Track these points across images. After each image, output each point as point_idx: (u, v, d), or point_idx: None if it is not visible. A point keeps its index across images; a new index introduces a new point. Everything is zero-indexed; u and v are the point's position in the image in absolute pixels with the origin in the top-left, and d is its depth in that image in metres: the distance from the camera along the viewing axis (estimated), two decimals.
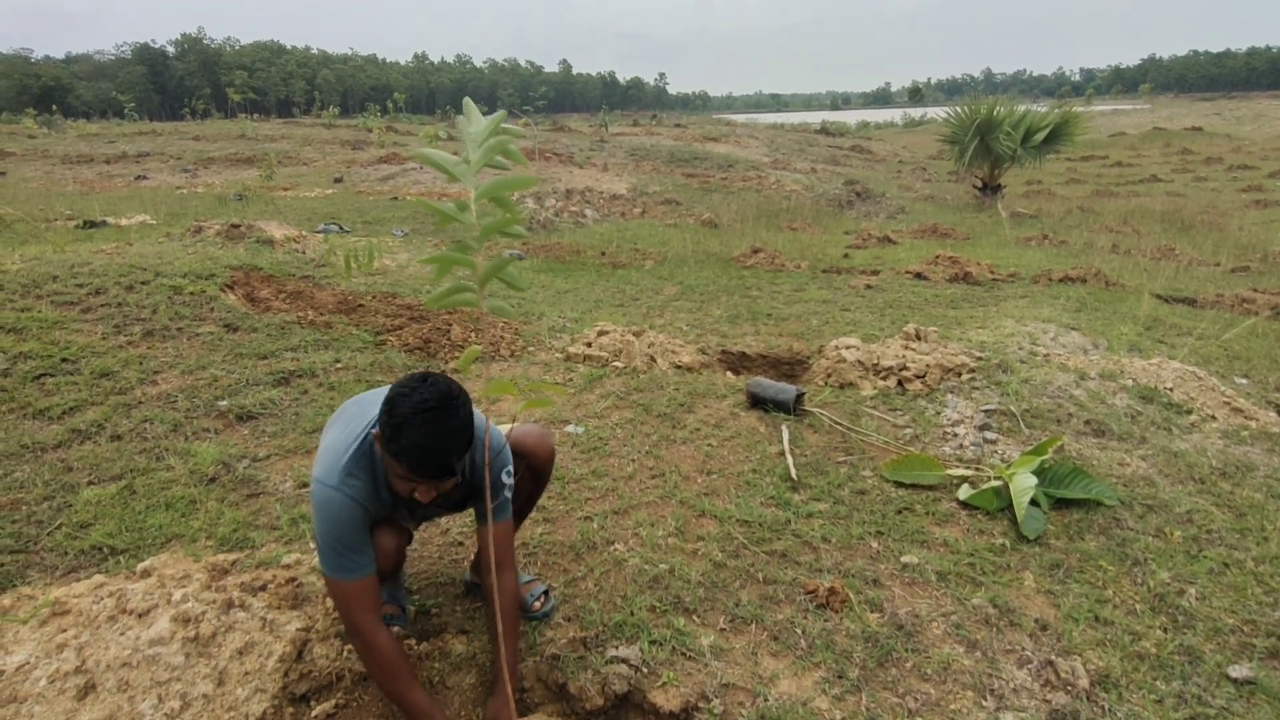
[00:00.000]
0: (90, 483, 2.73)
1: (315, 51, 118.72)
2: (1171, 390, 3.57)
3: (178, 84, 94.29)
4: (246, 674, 1.77)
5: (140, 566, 2.17)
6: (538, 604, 2.06)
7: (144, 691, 1.69)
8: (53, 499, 2.61)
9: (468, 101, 1.86)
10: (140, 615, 1.88)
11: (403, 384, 1.55)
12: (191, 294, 4.44)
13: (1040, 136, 13.83)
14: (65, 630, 1.89)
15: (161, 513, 2.57)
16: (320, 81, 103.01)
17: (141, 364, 3.62)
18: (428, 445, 1.51)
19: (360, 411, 1.72)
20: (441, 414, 1.51)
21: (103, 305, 4.11)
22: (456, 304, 1.74)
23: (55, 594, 2.07)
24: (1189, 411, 3.42)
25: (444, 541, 2.45)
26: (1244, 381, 4.07)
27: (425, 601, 2.14)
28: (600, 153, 18.31)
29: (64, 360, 3.50)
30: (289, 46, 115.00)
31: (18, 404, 3.14)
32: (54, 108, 45.34)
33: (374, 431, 1.57)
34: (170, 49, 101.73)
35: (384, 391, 1.67)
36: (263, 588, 2.07)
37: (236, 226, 6.28)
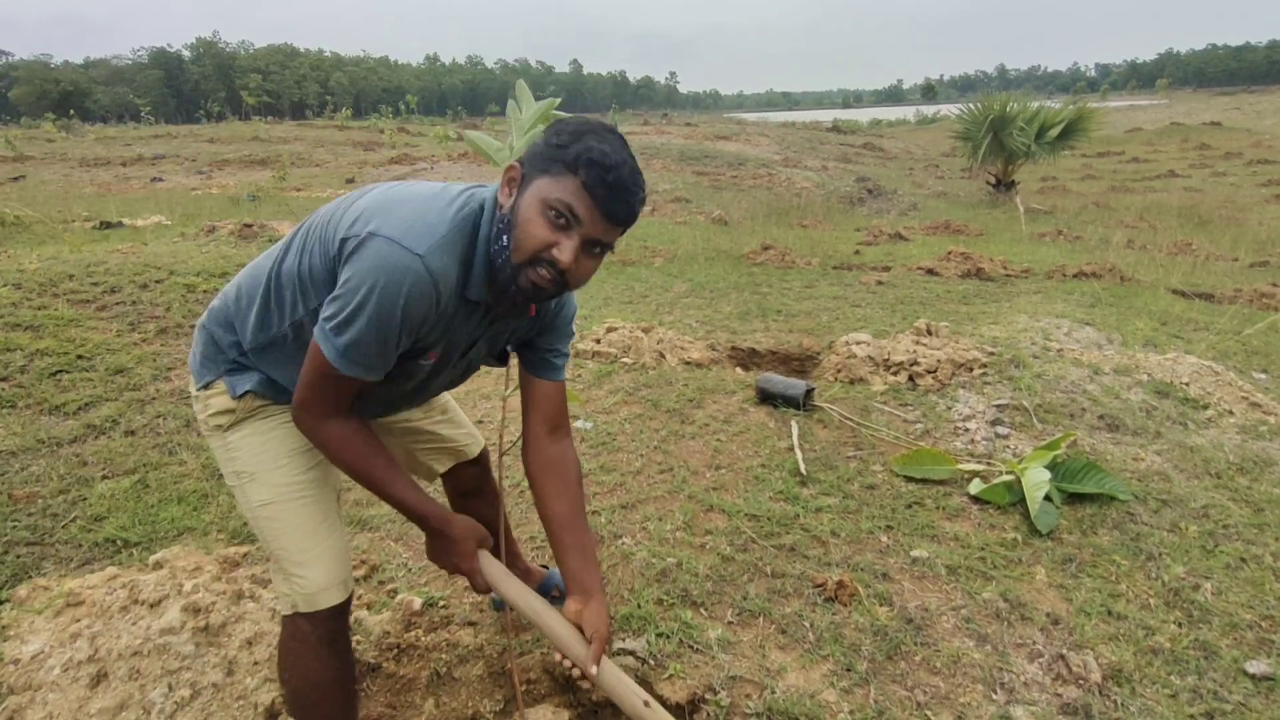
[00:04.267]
0: (104, 477, 2.76)
1: (328, 54, 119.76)
2: (1188, 385, 3.53)
3: (193, 87, 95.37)
4: (255, 664, 1.79)
5: (153, 558, 2.20)
6: (555, 592, 2.07)
7: (155, 680, 1.71)
8: (68, 493, 2.64)
9: (521, 84, 1.85)
10: (152, 606, 1.90)
11: (564, 123, 1.22)
12: (205, 292, 4.48)
13: (1054, 132, 13.71)
14: (79, 620, 1.92)
15: (174, 506, 2.60)
16: (333, 84, 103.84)
17: (155, 361, 3.66)
18: (619, 159, 1.16)
19: (430, 187, 1.30)
20: (627, 146, 1.22)
21: (118, 304, 4.16)
22: None
23: (70, 585, 2.09)
24: (1205, 406, 3.37)
25: None
26: (1262, 376, 4.01)
27: (433, 594, 2.14)
28: None
29: (79, 357, 3.55)
30: (302, 49, 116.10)
31: (34, 400, 3.19)
32: (72, 112, 46.00)
33: (510, 170, 1.22)
34: (186, 53, 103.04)
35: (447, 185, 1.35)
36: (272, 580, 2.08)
37: (249, 226, 6.34)
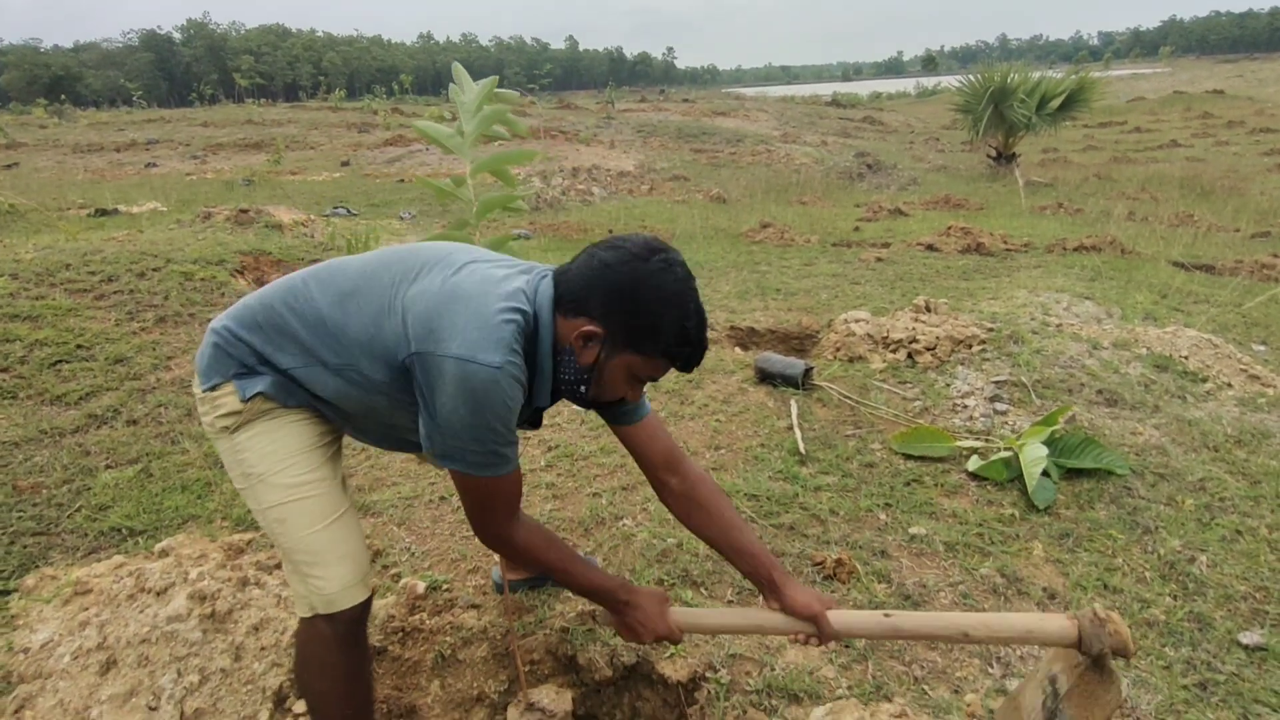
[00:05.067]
0: (108, 466, 2.78)
1: (320, 34, 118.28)
2: (1187, 358, 3.53)
3: (185, 70, 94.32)
4: (262, 648, 1.81)
5: (158, 547, 2.22)
6: None
7: (164, 666, 1.73)
8: (72, 482, 2.66)
9: (457, 67, 1.80)
10: (159, 593, 1.92)
11: (628, 257, 1.23)
12: (202, 280, 4.48)
13: (1056, 103, 13.55)
14: (87, 609, 1.94)
15: (178, 495, 2.62)
16: (326, 64, 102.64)
17: (155, 350, 3.66)
18: (700, 327, 1.28)
19: (483, 279, 1.29)
20: (694, 281, 1.29)
21: (115, 292, 4.15)
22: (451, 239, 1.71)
23: (76, 574, 2.12)
24: (1204, 379, 3.38)
25: (455, 519, 2.48)
26: (1262, 348, 4.01)
27: (437, 577, 2.17)
28: (607, 130, 18.17)
29: (79, 347, 3.56)
30: (294, 30, 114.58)
31: (35, 390, 3.20)
32: (63, 97, 45.58)
33: (587, 328, 1.24)
34: (176, 35, 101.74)
35: (479, 250, 1.39)
36: (277, 566, 2.10)
37: (245, 212, 6.30)
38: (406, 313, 1.25)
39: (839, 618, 1.40)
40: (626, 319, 1.24)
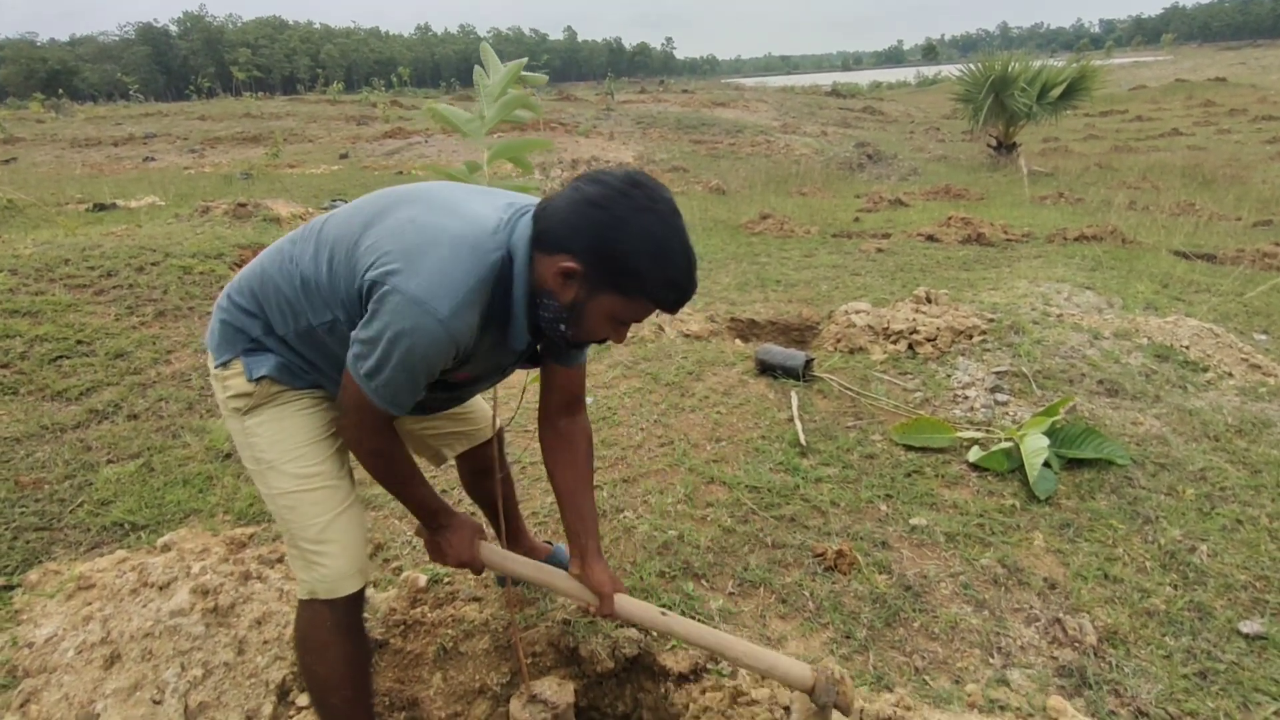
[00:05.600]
0: (109, 461, 2.78)
1: (318, 26, 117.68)
2: (1188, 348, 3.52)
3: (182, 63, 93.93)
4: (265, 642, 1.82)
5: (160, 541, 2.23)
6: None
7: (167, 660, 1.74)
8: (74, 477, 2.66)
9: (485, 47, 1.78)
10: (161, 588, 1.93)
11: (610, 192, 1.18)
12: (201, 274, 4.47)
13: (1057, 92, 13.49)
14: (90, 603, 1.95)
15: (179, 489, 2.62)
16: (324, 57, 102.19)
17: (155, 344, 3.66)
18: (689, 269, 1.22)
19: (453, 212, 1.26)
20: (682, 220, 1.23)
21: (115, 287, 4.15)
22: None
23: (80, 569, 2.13)
24: (1205, 369, 3.37)
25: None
26: (1263, 337, 4.01)
27: (438, 570, 2.17)
28: (606, 121, 18.10)
29: (79, 342, 3.55)
30: (291, 22, 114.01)
31: (36, 386, 3.20)
32: (60, 91, 45.40)
33: (566, 265, 1.20)
34: (173, 28, 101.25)
35: (461, 187, 1.37)
36: (279, 559, 2.11)
37: (244, 205, 6.29)
38: (374, 243, 1.23)
39: (621, 602, 1.53)
40: (607, 258, 1.19)
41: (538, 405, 1.60)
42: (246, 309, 1.38)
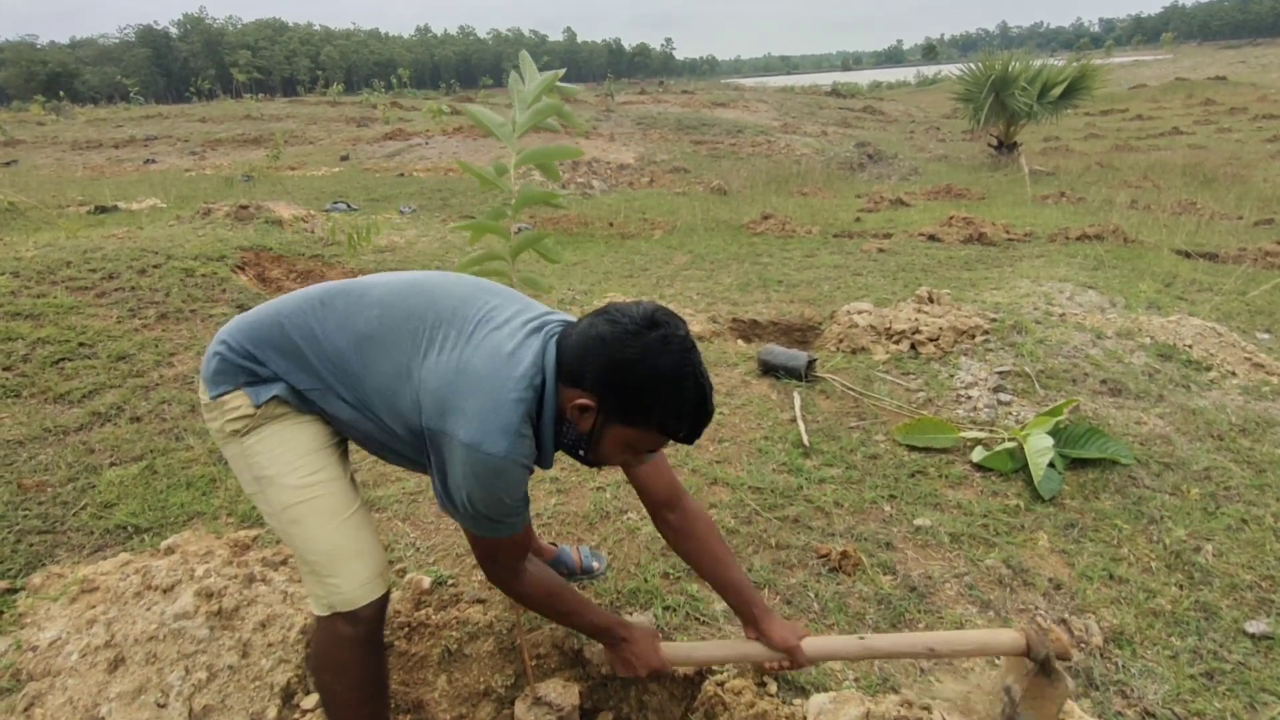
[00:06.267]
0: (112, 464, 2.78)
1: (317, 28, 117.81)
2: (1190, 347, 3.52)
3: (182, 65, 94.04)
4: (269, 645, 1.81)
5: (164, 544, 2.22)
6: (597, 564, 2.13)
7: (171, 664, 1.74)
8: (77, 480, 2.66)
9: (524, 55, 1.80)
10: (165, 591, 1.92)
11: (622, 333, 1.21)
12: (203, 276, 4.47)
13: (1057, 91, 13.49)
14: (94, 606, 1.94)
15: (183, 491, 2.62)
16: (324, 59, 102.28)
17: (157, 346, 3.66)
18: (701, 404, 1.25)
19: (493, 346, 1.28)
20: (697, 355, 1.25)
21: (116, 289, 4.15)
22: (486, 272, 1.71)
23: (83, 572, 2.12)
24: (1208, 368, 3.37)
25: None
26: (1266, 336, 4.00)
27: (442, 572, 2.17)
28: (607, 122, 18.10)
29: (81, 345, 3.55)
30: (291, 24, 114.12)
31: (39, 389, 3.20)
32: (61, 94, 45.42)
33: (581, 401, 1.24)
34: (173, 30, 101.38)
35: (494, 295, 1.39)
36: (283, 562, 2.11)
37: (245, 208, 6.29)
38: (422, 385, 1.27)
39: (814, 645, 1.52)
40: (618, 394, 1.23)
41: (648, 512, 1.64)
42: (257, 358, 1.34)
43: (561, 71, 1.81)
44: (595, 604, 1.55)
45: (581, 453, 1.34)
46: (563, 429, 1.32)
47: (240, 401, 1.33)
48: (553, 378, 1.28)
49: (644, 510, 2.41)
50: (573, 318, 1.40)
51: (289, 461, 1.36)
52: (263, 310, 1.39)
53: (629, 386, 1.22)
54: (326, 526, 1.37)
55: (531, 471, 1.30)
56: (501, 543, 1.35)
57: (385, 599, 1.45)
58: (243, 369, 1.33)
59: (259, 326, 1.36)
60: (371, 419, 1.34)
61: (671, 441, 1.29)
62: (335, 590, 1.37)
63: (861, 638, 1.49)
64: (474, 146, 14.35)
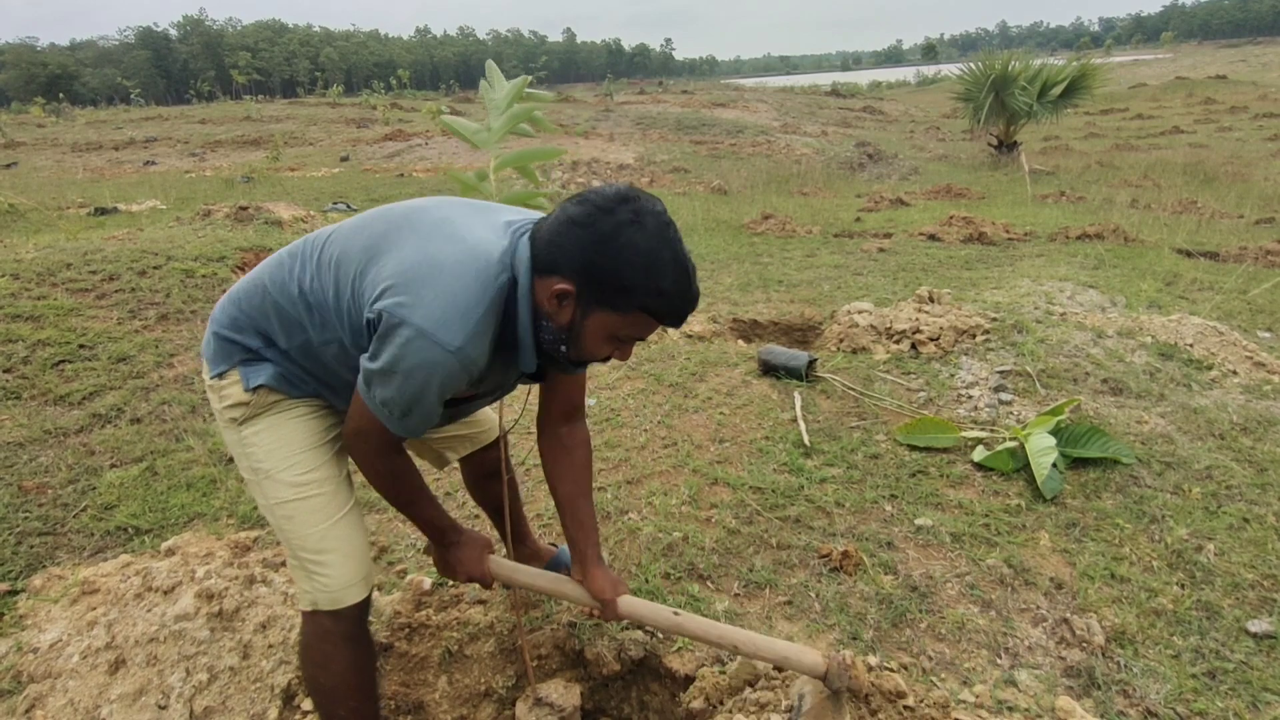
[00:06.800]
0: (113, 465, 2.78)
1: (317, 29, 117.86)
2: (1192, 346, 3.51)
3: (182, 67, 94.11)
4: (270, 646, 1.81)
5: (164, 545, 2.22)
6: (565, 570, 2.10)
7: (172, 665, 1.74)
8: (77, 482, 2.66)
9: (491, 64, 1.81)
10: (166, 592, 1.92)
11: (594, 210, 1.17)
12: (203, 277, 4.47)
13: (1057, 91, 13.49)
14: (95, 608, 1.94)
15: (183, 493, 2.62)
16: (323, 60, 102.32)
17: (157, 347, 3.66)
18: (683, 279, 1.19)
19: (456, 239, 1.24)
20: (675, 232, 1.20)
21: (117, 291, 4.15)
22: None
23: (84, 574, 2.12)
24: (1209, 367, 3.36)
25: (461, 515, 2.48)
26: (1267, 335, 4.00)
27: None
28: (606, 122, 18.10)
29: (81, 346, 3.55)
30: (291, 25, 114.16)
31: (39, 390, 3.20)
32: (61, 95, 45.44)
33: (559, 286, 1.19)
34: (173, 32, 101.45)
35: (459, 206, 1.34)
36: (283, 563, 2.11)
37: (245, 209, 6.29)
38: (382, 277, 1.22)
39: (628, 604, 1.55)
40: (596, 274, 1.18)
41: (537, 413, 1.60)
42: (243, 323, 1.36)
43: (529, 79, 1.82)
44: (440, 504, 1.52)
45: (564, 349, 1.28)
46: (540, 326, 1.27)
47: (235, 385, 1.35)
48: (526, 273, 1.23)
49: (645, 511, 2.42)
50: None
51: (285, 457, 1.37)
52: (243, 279, 1.42)
53: (606, 265, 1.16)
54: (319, 526, 1.38)
55: (471, 377, 1.24)
56: (391, 437, 1.30)
57: (368, 601, 1.47)
58: (235, 343, 1.36)
59: (240, 292, 1.39)
60: (342, 353, 1.31)
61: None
62: (321, 588, 1.39)
63: (676, 612, 1.53)
64: (473, 148, 14.32)
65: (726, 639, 1.51)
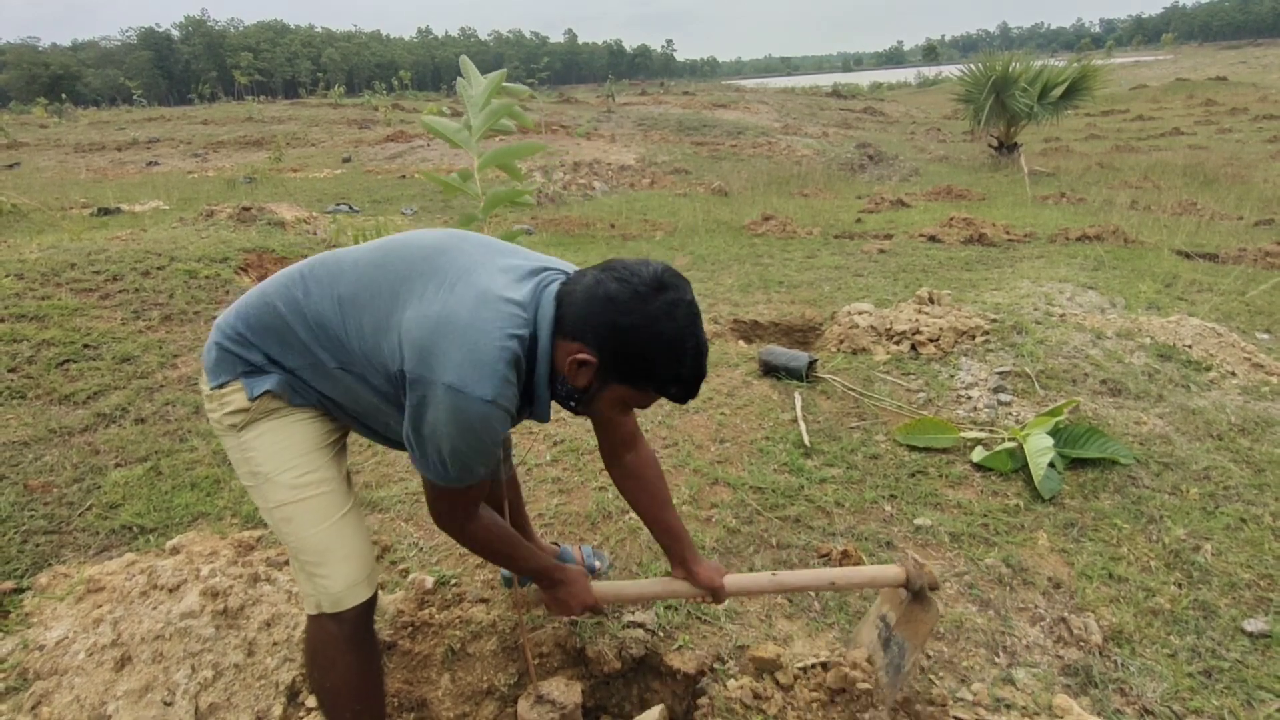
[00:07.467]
0: (118, 465, 2.80)
1: (319, 30, 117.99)
2: (1190, 347, 3.53)
3: (184, 68, 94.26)
4: (275, 644, 1.83)
5: (169, 544, 2.24)
6: (599, 564, 2.15)
7: (178, 662, 1.75)
8: (82, 481, 2.68)
9: (464, 60, 1.81)
10: (171, 590, 1.94)
11: (631, 295, 1.21)
12: (206, 277, 4.49)
13: (1058, 92, 13.49)
14: (100, 606, 1.96)
15: (187, 492, 2.63)
16: (325, 60, 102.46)
17: (161, 348, 3.68)
18: (698, 367, 1.27)
19: (480, 295, 1.25)
20: (700, 320, 1.27)
21: (120, 291, 4.17)
22: None
23: (89, 572, 2.14)
24: (1208, 368, 3.38)
25: None
26: (1265, 337, 4.01)
27: (445, 572, 2.18)
28: (608, 123, 18.13)
29: (86, 346, 3.57)
30: (292, 26, 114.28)
31: (44, 390, 3.22)
32: (64, 96, 45.49)
33: (581, 356, 1.24)
34: (175, 32, 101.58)
35: (481, 249, 1.36)
36: (287, 562, 2.12)
37: (248, 209, 6.31)
38: (404, 334, 1.25)
39: (734, 581, 1.67)
40: (622, 355, 1.23)
41: (599, 446, 1.67)
42: (251, 340, 1.35)
43: (504, 72, 1.83)
44: (535, 550, 1.57)
45: (573, 404, 1.35)
46: (555, 383, 1.32)
47: (237, 394, 1.35)
48: (549, 333, 1.27)
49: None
50: (570, 266, 1.40)
51: (284, 460, 1.37)
52: (252, 292, 1.41)
53: (633, 348, 1.22)
54: (318, 527, 1.39)
55: (512, 418, 1.29)
56: (462, 493, 1.34)
57: (372, 602, 1.47)
58: (239, 357, 1.35)
59: (249, 307, 1.38)
60: (356, 380, 1.34)
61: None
62: (323, 590, 1.40)
63: (774, 574, 1.66)
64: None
65: (823, 579, 1.65)
